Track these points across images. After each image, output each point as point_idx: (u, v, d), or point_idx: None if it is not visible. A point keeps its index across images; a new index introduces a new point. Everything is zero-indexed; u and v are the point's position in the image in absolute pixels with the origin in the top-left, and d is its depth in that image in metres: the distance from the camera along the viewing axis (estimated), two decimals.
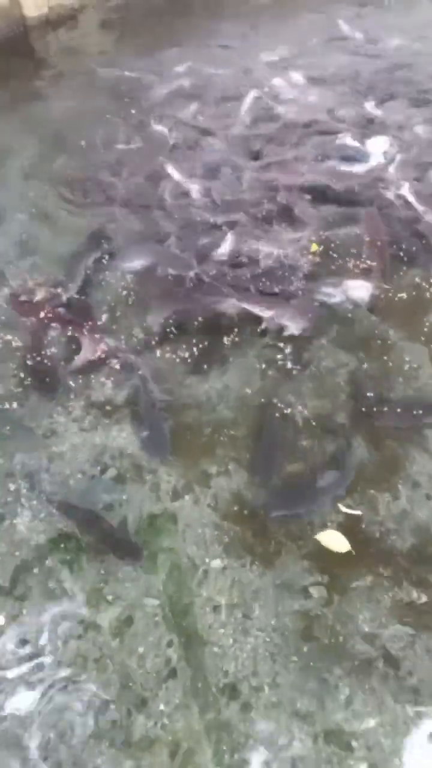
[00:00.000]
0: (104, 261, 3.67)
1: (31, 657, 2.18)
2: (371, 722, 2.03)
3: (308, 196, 3.99)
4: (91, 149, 4.66)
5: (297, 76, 5.48)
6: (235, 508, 2.56)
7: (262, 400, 2.95)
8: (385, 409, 2.86)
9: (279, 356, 3.13)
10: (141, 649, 2.19)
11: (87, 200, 4.18)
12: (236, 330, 3.25)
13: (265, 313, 3.24)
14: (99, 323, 3.30)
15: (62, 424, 2.87)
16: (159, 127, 4.84)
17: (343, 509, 2.53)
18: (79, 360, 3.12)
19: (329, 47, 6.03)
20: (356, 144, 4.52)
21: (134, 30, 6.64)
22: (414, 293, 3.44)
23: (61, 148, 4.69)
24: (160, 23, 6.74)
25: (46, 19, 6.73)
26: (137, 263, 3.62)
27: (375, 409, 2.86)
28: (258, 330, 3.23)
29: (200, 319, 3.28)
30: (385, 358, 3.12)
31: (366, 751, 1.98)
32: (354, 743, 2.00)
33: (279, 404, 2.91)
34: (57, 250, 3.78)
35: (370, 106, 5.00)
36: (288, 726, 2.03)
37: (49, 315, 3.31)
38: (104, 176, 4.34)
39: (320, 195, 4.04)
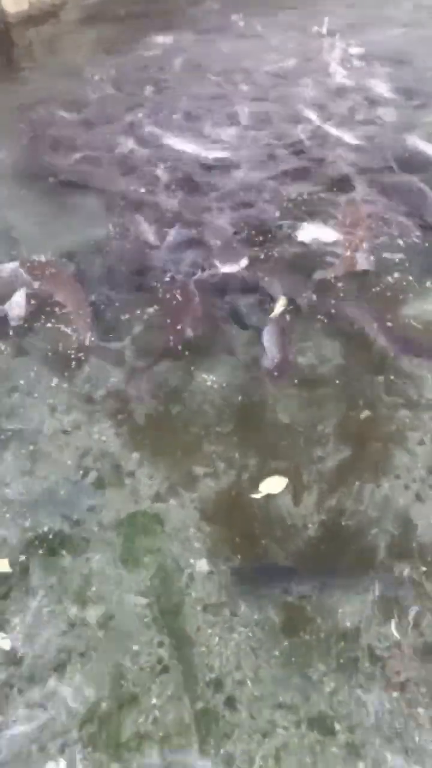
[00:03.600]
0: None
1: (14, 658, 2.22)
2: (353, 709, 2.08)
3: None
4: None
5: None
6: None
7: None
8: None
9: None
10: (128, 651, 2.22)
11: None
12: None
13: None
14: None
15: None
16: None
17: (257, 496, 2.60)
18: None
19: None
20: None
21: (116, 24, 6.60)
22: None
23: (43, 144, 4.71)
24: (142, 16, 6.70)
25: (27, 16, 6.69)
26: None
27: None
28: None
29: None
30: None
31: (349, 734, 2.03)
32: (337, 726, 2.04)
33: None
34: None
35: None
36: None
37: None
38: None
39: None
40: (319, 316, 3.34)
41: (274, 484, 2.64)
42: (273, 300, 3.42)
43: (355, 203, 3.93)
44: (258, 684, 2.13)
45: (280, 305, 3.36)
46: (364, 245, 3.65)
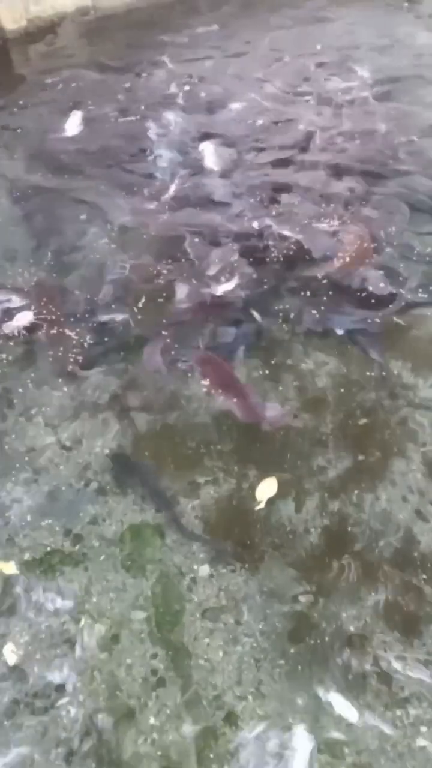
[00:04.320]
0: None
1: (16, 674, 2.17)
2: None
3: None
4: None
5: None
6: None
7: None
8: None
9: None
10: (129, 661, 2.18)
11: None
12: None
13: None
14: None
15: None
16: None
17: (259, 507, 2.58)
18: None
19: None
20: None
21: (115, 41, 6.67)
22: None
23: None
24: (141, 32, 6.78)
25: (25, 32, 6.77)
26: None
27: None
28: None
29: None
30: None
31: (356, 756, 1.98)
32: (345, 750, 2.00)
33: None
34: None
35: None
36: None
37: None
38: None
39: None
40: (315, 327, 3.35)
41: (268, 488, 2.62)
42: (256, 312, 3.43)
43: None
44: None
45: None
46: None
